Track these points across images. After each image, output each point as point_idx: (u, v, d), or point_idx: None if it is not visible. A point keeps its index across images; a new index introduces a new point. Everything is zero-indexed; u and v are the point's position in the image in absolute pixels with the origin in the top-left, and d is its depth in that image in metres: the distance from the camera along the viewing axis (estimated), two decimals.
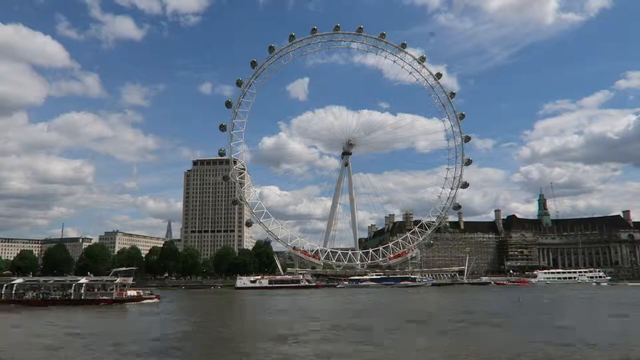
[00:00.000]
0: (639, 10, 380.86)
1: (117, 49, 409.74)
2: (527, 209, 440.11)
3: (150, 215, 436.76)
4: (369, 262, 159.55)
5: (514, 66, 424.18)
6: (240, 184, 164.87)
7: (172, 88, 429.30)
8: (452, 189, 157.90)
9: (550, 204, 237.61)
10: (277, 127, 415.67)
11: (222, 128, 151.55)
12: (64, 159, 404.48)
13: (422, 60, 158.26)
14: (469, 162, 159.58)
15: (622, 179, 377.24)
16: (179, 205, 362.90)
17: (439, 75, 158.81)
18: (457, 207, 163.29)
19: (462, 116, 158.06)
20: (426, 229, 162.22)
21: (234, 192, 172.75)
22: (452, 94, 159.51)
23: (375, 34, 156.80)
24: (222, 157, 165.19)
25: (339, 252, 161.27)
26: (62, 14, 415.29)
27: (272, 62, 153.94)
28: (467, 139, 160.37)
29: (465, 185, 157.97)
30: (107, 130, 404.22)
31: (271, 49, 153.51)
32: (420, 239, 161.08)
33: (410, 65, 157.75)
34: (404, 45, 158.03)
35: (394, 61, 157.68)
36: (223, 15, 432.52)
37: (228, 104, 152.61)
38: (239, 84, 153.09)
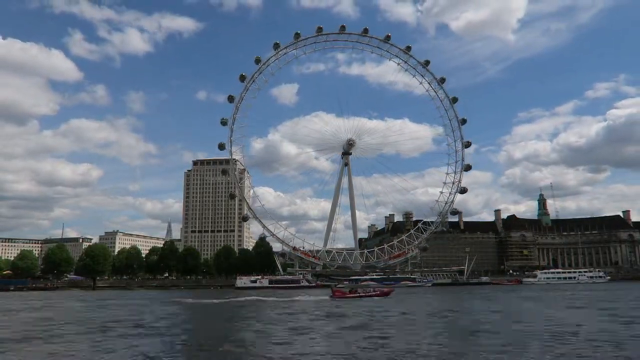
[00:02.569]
0: (596, 28, 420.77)
1: (122, 62, 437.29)
2: (516, 210, 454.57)
3: (149, 217, 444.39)
4: (369, 262, 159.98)
5: (496, 80, 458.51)
6: (240, 179, 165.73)
7: (171, 96, 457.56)
8: (450, 193, 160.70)
9: (550, 205, 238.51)
10: (270, 132, 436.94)
11: (223, 122, 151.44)
12: (71, 163, 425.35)
13: (442, 81, 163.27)
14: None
15: (608, 182, 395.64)
16: (178, 207, 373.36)
17: (454, 100, 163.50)
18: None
19: (468, 144, 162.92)
20: (428, 227, 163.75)
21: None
22: (464, 120, 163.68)
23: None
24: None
25: (341, 252, 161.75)
26: (74, 31, 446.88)
27: (278, 59, 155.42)
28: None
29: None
30: (113, 135, 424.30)
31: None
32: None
33: (429, 84, 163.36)
34: (427, 63, 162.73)
35: (414, 76, 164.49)
36: (215, 28, 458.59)
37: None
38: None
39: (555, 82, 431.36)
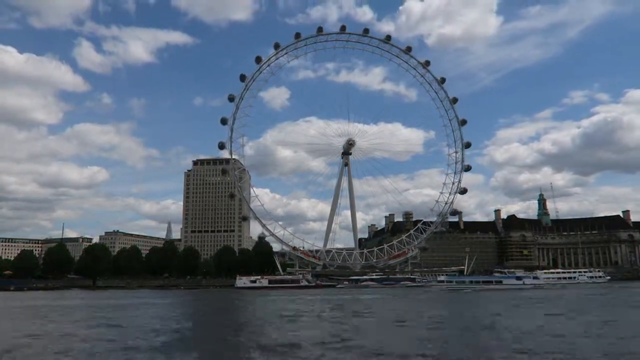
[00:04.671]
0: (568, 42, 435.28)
1: (126, 71, 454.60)
2: (508, 210, 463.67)
3: (148, 218, 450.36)
4: (369, 262, 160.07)
5: (482, 90, 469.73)
6: (241, 178, 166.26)
7: (170, 102, 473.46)
8: (450, 193, 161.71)
9: (550, 205, 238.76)
10: (263, 135, 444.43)
11: (223, 121, 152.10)
12: (78, 166, 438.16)
13: (454, 101, 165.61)
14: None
15: (598, 184, 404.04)
16: (175, 207, 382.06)
17: (464, 122, 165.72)
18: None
19: (468, 145, 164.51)
20: (427, 227, 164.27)
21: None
22: (468, 144, 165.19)
23: None
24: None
25: (341, 252, 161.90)
26: (80, 44, 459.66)
27: (297, 47, 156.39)
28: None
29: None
30: (116, 139, 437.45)
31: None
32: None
33: (441, 101, 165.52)
34: (443, 80, 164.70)
35: (427, 91, 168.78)
36: (209, 42, 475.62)
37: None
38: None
39: (536, 91, 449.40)
